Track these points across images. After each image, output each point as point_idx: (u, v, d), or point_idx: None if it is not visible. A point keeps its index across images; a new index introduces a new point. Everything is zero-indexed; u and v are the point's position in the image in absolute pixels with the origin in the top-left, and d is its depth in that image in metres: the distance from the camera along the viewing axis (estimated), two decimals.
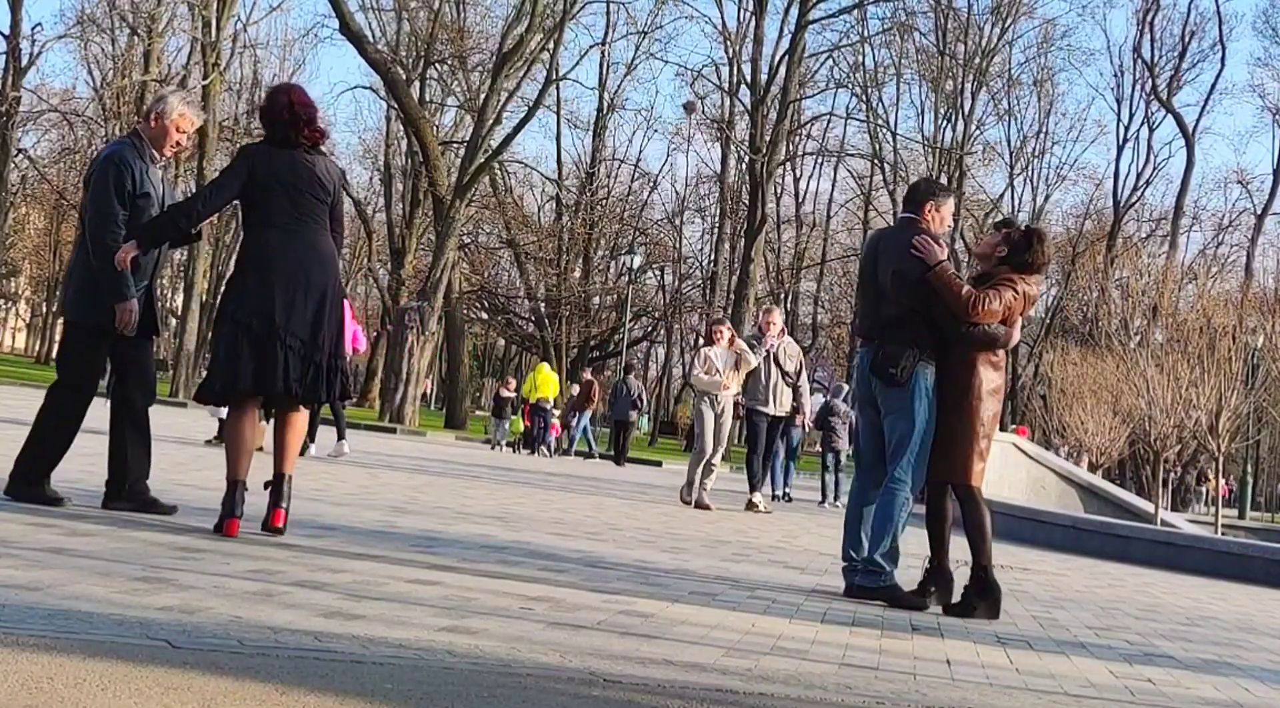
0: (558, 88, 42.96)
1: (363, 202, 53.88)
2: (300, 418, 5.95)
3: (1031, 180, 55.13)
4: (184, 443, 12.88)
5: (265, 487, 5.76)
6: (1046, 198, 55.51)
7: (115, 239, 5.96)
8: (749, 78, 44.43)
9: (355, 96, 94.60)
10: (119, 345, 6.18)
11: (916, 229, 6.15)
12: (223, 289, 6.09)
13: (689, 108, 51.03)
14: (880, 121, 50.77)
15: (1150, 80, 51.29)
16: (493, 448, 27.13)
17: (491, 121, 34.64)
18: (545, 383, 27.26)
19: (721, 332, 12.71)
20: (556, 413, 28.50)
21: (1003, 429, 21.26)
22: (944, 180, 48.95)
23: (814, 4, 42.57)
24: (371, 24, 41.90)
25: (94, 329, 6.10)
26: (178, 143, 6.23)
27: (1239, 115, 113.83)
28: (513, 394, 28.79)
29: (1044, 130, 54.45)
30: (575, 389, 28.95)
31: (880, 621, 5.47)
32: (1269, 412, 30.39)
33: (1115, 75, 53.84)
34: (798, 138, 51.23)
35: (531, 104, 37.32)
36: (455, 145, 40.38)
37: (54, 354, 6.29)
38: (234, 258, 6.39)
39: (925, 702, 3.77)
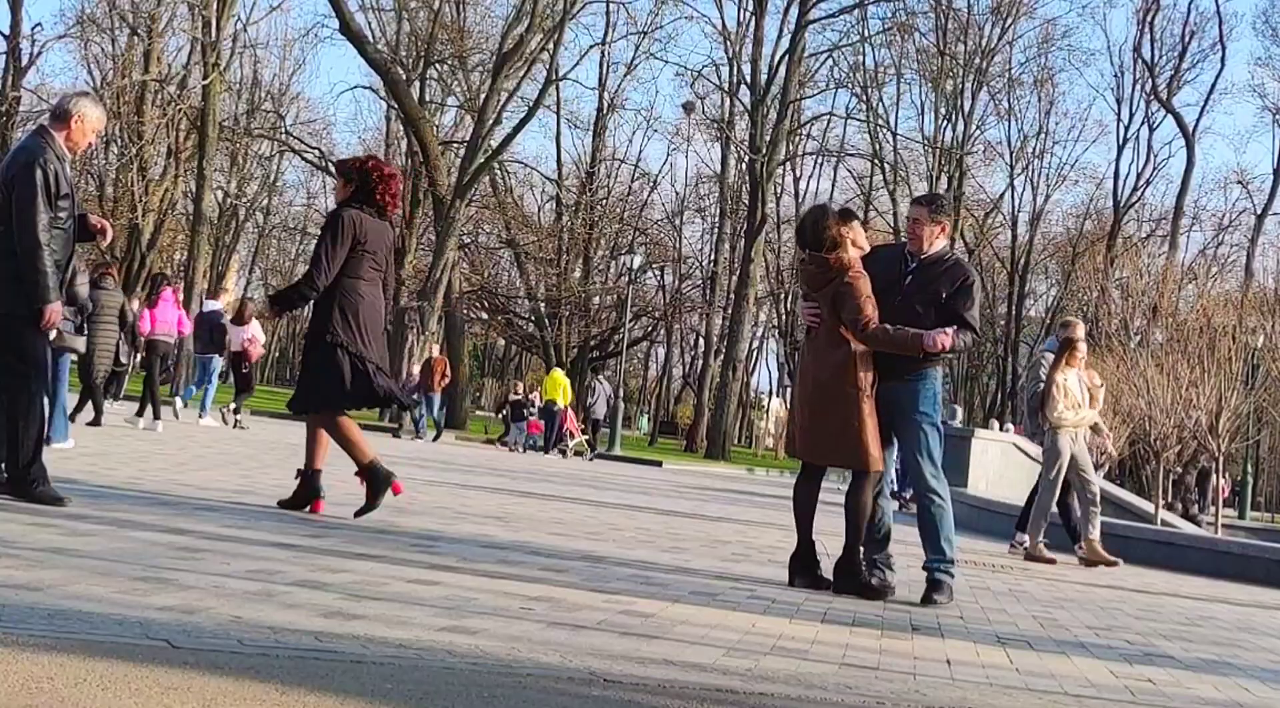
0: (558, 88, 42.92)
1: None
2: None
3: (1032, 180, 55.11)
4: (185, 443, 12.87)
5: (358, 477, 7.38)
6: (1047, 198, 55.48)
7: (44, 242, 6.07)
8: (749, 78, 44.39)
9: (355, 96, 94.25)
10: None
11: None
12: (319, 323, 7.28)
13: (688, 108, 50.98)
14: (880, 121, 50.72)
15: (1150, 80, 51.25)
16: (510, 450, 27.59)
17: (491, 121, 34.63)
18: (554, 386, 28.20)
19: (1079, 350, 10.60)
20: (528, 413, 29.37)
21: (1001, 428, 21.30)
22: (944, 181, 49.08)
23: (814, 4, 42.52)
24: (371, 24, 41.85)
25: (26, 319, 6.16)
26: (90, 144, 6.53)
27: (1239, 115, 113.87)
28: (520, 396, 29.82)
29: (1044, 130, 54.40)
30: (415, 370, 29.02)
31: (880, 621, 5.47)
32: (1269, 412, 30.40)
33: (1115, 75, 53.80)
34: (798, 138, 51.17)
35: (531, 104, 37.30)
36: (455, 145, 40.37)
37: None
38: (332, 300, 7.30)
39: (925, 702, 3.77)
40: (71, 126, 6.28)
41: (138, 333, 15.32)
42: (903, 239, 7.17)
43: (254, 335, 18.84)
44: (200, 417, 18.02)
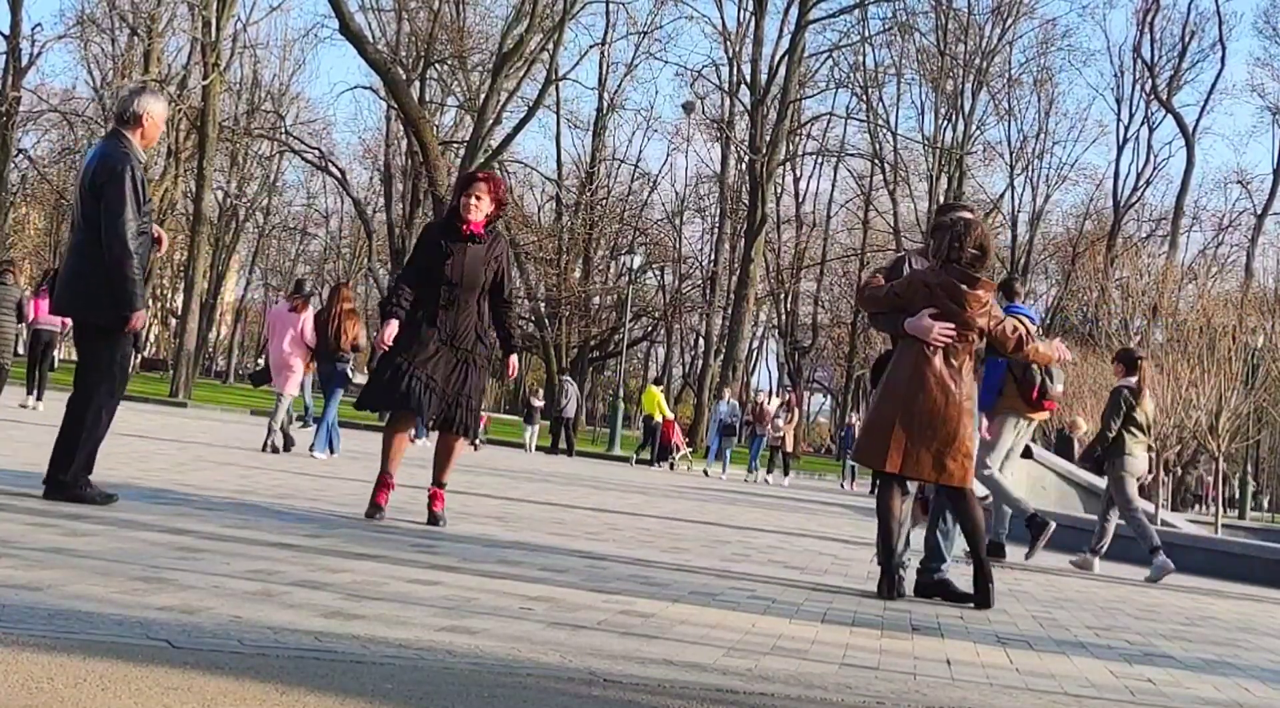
0: (557, 88, 42.96)
1: (363, 202, 53.90)
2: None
3: (1032, 180, 55.20)
4: (185, 443, 12.87)
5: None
6: (1047, 198, 55.57)
7: (134, 250, 6.06)
8: (749, 78, 44.41)
9: (355, 96, 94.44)
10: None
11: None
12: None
13: (688, 108, 51.02)
14: (880, 121, 50.80)
15: (1150, 80, 51.33)
16: (527, 452, 27.95)
17: (491, 121, 34.67)
18: (650, 402, 29.31)
19: None
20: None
21: None
22: (944, 181, 49.08)
23: (814, 4, 42.55)
24: (371, 24, 41.94)
25: (115, 328, 6.20)
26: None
27: (1239, 115, 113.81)
28: (541, 403, 31.10)
29: (1044, 130, 54.51)
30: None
31: (880, 621, 5.47)
32: (1269, 412, 30.37)
33: (1115, 75, 54.05)
34: (798, 138, 51.22)
35: (531, 104, 37.36)
36: (455, 145, 40.40)
37: (76, 357, 6.42)
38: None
39: (925, 702, 3.77)
40: (145, 126, 6.22)
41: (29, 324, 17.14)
42: (904, 240, 7.25)
43: None
44: (414, 439, 19.29)
